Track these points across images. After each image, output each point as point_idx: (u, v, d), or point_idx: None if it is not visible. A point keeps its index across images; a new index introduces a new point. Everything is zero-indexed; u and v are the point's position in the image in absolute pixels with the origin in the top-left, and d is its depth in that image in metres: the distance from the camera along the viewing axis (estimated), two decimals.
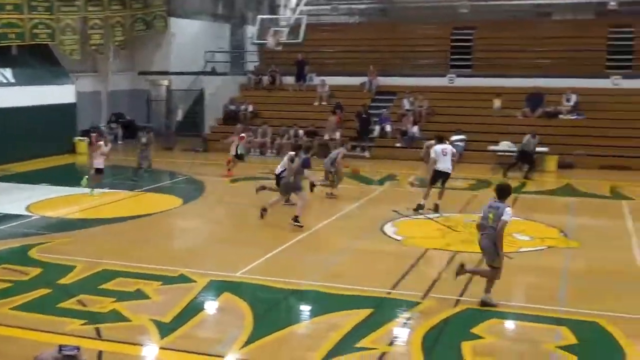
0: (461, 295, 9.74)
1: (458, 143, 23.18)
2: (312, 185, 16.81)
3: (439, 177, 15.59)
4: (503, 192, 9.31)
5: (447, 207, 15.53)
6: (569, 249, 12.61)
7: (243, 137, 21.18)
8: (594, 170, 21.47)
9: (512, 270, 11.24)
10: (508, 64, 27.54)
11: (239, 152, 20.49)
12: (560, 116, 24.66)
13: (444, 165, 15.47)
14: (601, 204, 17.10)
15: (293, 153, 14.62)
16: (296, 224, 13.40)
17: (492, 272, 9.33)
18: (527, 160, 20.70)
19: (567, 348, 8.00)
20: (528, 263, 11.69)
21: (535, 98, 25.38)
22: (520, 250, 12.29)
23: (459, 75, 27.56)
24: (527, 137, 20.95)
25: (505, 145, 22.72)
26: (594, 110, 24.56)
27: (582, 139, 22.98)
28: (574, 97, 24.82)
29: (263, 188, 15.88)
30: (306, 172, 14.38)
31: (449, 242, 12.90)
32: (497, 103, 25.51)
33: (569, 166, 21.85)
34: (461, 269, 9.53)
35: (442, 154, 15.50)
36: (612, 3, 28.25)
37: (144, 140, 20.50)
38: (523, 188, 18.71)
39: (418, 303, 9.46)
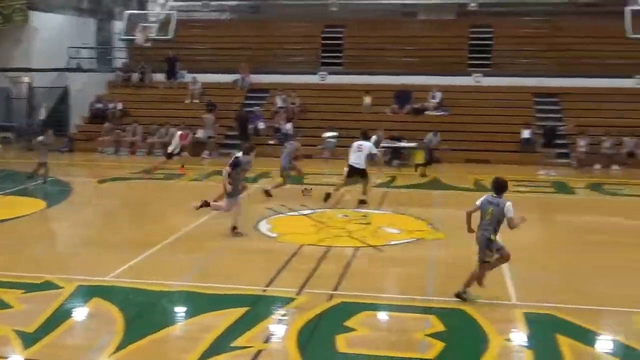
0: (335, 290, 9.91)
1: (330, 140, 23.60)
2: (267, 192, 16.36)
3: (353, 172, 15.88)
4: (501, 187, 9.38)
5: (320, 203, 15.74)
6: (436, 240, 13.12)
7: (185, 134, 20.53)
8: (459, 164, 22.48)
9: (383, 263, 11.59)
10: (377, 61, 28.33)
11: (170, 150, 19.97)
12: (427, 112, 25.65)
13: (354, 160, 15.89)
14: (466, 197, 17.86)
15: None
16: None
17: (482, 267, 9.42)
18: (429, 156, 21.46)
19: (436, 335, 8.30)
20: (398, 255, 12.07)
21: (403, 95, 26.26)
22: (390, 243, 12.68)
23: (330, 73, 28.03)
24: (429, 135, 21.76)
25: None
26: (458, 107, 25.74)
27: (448, 134, 23.98)
28: (438, 95, 25.88)
29: (206, 204, 13.72)
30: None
31: (322, 237, 13.07)
32: (367, 100, 26.15)
33: (435, 161, 22.75)
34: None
35: (357, 149, 15.84)
36: (472, 4, 29.73)
37: (42, 139, 18.61)
38: (392, 182, 19.27)
39: (293, 299, 9.52)
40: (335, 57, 29.65)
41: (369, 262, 11.66)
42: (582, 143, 22.56)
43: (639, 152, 22.58)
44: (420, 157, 22.52)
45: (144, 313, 9.14)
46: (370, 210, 15.50)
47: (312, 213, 15.10)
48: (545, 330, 8.66)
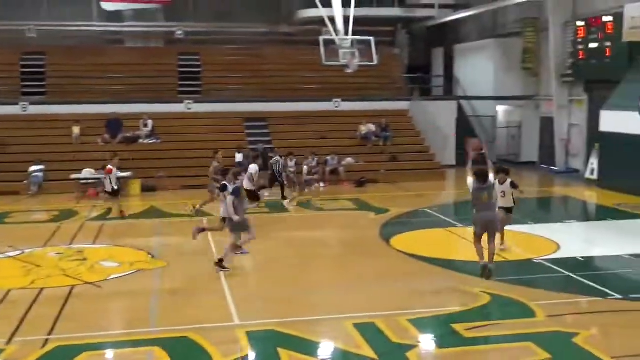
0: (50, 334, 9.26)
1: (37, 174, 22.14)
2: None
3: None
4: (485, 176, 11.07)
5: (29, 242, 14.66)
6: (157, 269, 12.93)
7: (111, 169, 17.93)
8: (175, 192, 22.45)
9: (102, 299, 11.10)
10: (84, 90, 27.33)
11: (115, 187, 17.81)
12: (140, 141, 25.25)
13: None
14: (185, 223, 17.84)
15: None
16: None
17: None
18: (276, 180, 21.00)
19: None
20: (118, 289, 11.67)
21: (114, 124, 25.55)
22: (110, 277, 12.20)
23: (32, 103, 26.28)
24: (275, 158, 21.27)
25: (87, 172, 22.30)
26: (171, 134, 25.74)
27: (163, 161, 23.84)
28: (150, 122, 25.63)
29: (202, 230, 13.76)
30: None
31: (33, 279, 12.14)
32: (76, 130, 24.97)
33: (152, 189, 22.47)
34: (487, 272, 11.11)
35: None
36: (178, 32, 30.01)
37: None
38: (109, 214, 18.60)
39: (2, 350, 8.69)
40: (38, 86, 27.92)
41: (87, 300, 11.08)
42: (290, 163, 23.88)
43: (341, 169, 24.52)
44: (136, 188, 22.07)
45: None
46: (86, 245, 14.79)
47: (19, 254, 13.96)
48: (267, 346, 8.98)
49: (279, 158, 21.26)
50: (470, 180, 11.23)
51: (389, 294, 11.41)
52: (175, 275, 12.49)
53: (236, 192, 12.65)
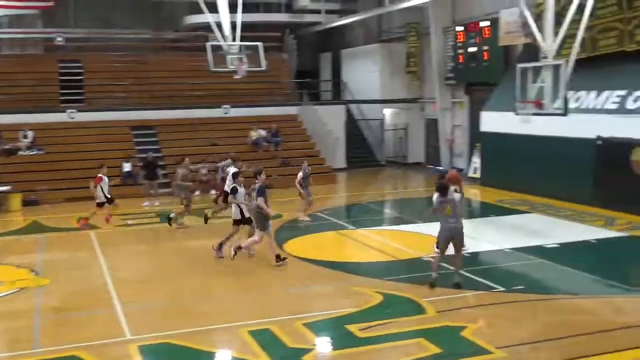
0: None
1: None
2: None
3: None
4: (444, 189, 11.27)
5: None
6: (41, 287, 12.36)
7: (101, 177, 17.33)
8: (60, 204, 21.58)
9: None
10: None
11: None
12: (20, 153, 24.09)
13: None
14: (70, 237, 17.23)
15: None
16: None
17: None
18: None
19: None
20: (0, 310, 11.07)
21: None
22: None
23: None
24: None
25: None
26: (54, 144, 24.71)
27: (45, 174, 22.86)
28: (30, 133, 24.50)
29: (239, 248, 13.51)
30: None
31: None
32: None
33: (34, 203, 21.49)
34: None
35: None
36: (58, 39, 28.89)
37: None
38: None
39: None
40: None
41: None
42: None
43: None
44: (17, 203, 21.03)
45: None
46: None
47: None
48: (161, 359, 8.77)
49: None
50: (435, 195, 11.44)
51: (284, 298, 11.44)
52: (60, 291, 11.99)
53: (261, 191, 13.03)
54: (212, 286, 12.51)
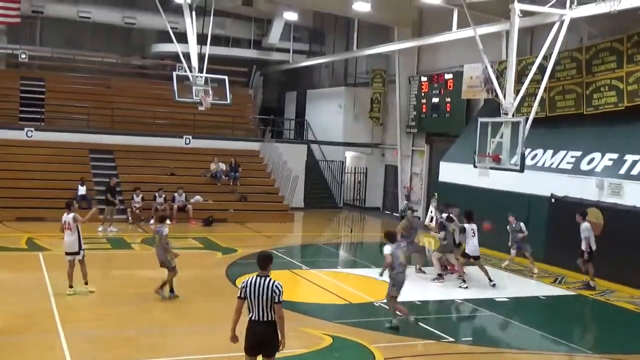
0: None
1: None
2: None
3: None
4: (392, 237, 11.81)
5: None
6: None
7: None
8: (10, 223, 21.07)
9: None
10: None
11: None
12: None
13: None
14: (18, 257, 16.81)
15: None
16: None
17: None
18: None
19: None
20: None
21: None
22: None
23: None
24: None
25: None
26: (9, 162, 24.22)
27: None
28: None
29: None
30: None
31: None
32: None
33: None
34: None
35: None
36: (22, 55, 28.54)
37: None
38: None
39: None
40: None
41: None
42: (137, 199, 23.22)
43: (189, 207, 24.10)
44: None
45: None
46: None
47: None
48: None
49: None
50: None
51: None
52: (1, 313, 11.63)
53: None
54: (159, 318, 12.29)
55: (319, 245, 21.85)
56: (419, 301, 14.07)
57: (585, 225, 15.55)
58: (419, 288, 14.79)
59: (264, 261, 7.80)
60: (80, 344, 10.15)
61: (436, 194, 24.74)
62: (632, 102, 17.01)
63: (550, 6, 16.84)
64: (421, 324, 12.14)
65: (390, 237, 11.80)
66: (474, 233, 15.35)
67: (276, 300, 7.45)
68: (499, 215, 20.17)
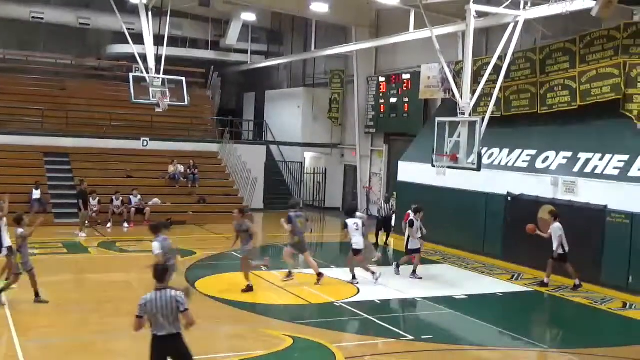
0: None
1: None
2: None
3: None
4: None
5: None
6: None
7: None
8: None
9: None
10: None
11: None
12: None
13: None
14: None
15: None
16: None
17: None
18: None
19: None
20: None
21: None
22: None
23: None
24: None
25: None
26: None
27: None
28: None
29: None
30: None
31: None
32: None
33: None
34: None
35: None
36: None
37: None
38: None
39: None
40: None
41: None
42: (93, 202, 22.85)
43: (147, 210, 23.80)
44: None
45: None
46: None
47: None
48: None
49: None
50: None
51: (193, 338, 11.08)
52: None
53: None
54: (118, 322, 12.07)
55: (279, 246, 21.78)
56: (379, 300, 14.14)
57: (556, 225, 15.55)
58: (380, 289, 14.87)
59: (161, 274, 7.65)
60: (35, 353, 9.94)
61: (395, 194, 24.90)
62: (585, 102, 17.34)
63: (505, 7, 17.08)
64: (381, 322, 12.20)
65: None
66: (357, 227, 15.37)
67: (181, 309, 7.41)
68: (456, 214, 20.39)
